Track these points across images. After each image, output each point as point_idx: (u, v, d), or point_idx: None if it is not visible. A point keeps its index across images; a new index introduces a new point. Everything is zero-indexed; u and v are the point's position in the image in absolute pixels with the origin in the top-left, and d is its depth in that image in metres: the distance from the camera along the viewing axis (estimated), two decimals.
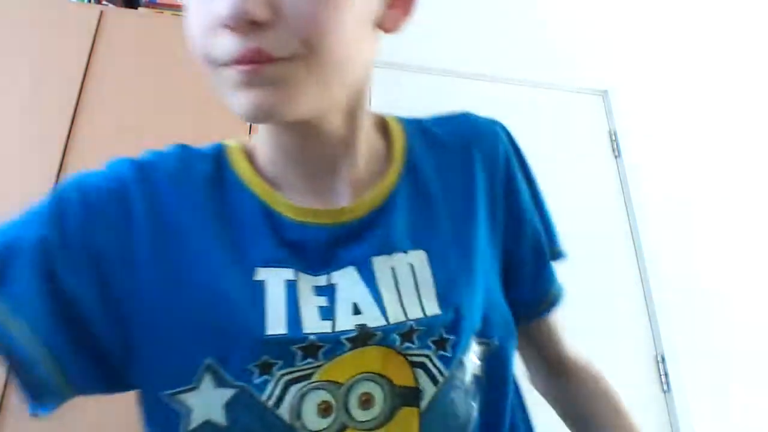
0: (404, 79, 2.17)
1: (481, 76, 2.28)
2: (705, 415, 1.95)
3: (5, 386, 1.18)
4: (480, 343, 0.48)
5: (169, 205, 0.46)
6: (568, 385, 0.64)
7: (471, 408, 0.46)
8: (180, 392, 0.41)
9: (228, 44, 0.39)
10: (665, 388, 1.98)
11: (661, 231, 2.21)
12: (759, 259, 2.29)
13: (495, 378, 0.49)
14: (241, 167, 0.51)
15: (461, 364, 0.45)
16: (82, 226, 0.43)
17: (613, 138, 2.36)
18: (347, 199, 0.49)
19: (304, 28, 0.39)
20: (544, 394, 0.67)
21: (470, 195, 0.53)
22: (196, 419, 0.41)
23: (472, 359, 0.47)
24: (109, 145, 1.45)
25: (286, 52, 0.39)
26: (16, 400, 1.17)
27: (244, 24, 0.38)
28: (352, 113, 0.49)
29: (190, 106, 1.54)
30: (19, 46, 1.51)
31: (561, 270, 0.61)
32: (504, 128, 0.60)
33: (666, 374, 1.98)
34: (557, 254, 0.61)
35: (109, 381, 0.45)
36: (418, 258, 0.48)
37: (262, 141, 0.52)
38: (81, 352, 0.42)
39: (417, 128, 0.56)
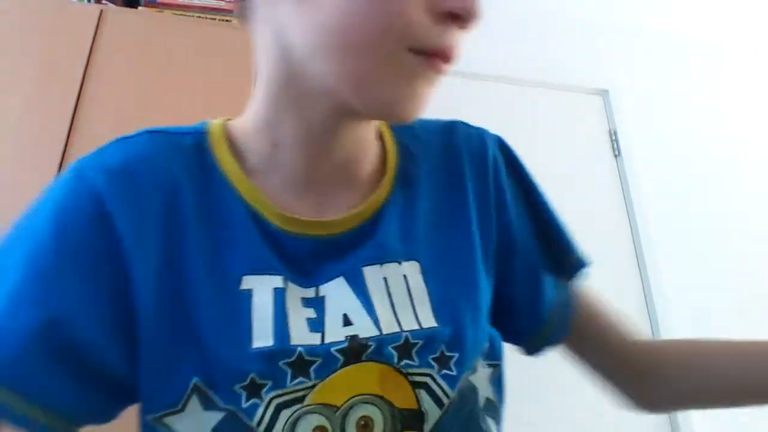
0: None
1: (481, 76, 2.28)
2: (705, 414, 1.95)
3: None
4: (489, 365, 0.46)
5: (152, 214, 0.41)
6: (666, 374, 0.54)
7: None
8: (166, 415, 0.39)
9: (441, 33, 0.39)
10: None
11: (661, 230, 2.21)
12: (759, 259, 2.29)
13: (501, 403, 0.48)
14: (225, 163, 0.45)
15: (469, 383, 0.43)
16: (75, 274, 0.38)
17: (613, 137, 2.36)
18: (338, 209, 0.46)
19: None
20: (661, 401, 0.56)
21: (463, 208, 0.49)
22: None
23: (483, 381, 0.45)
24: None
25: (456, 60, 0.40)
26: None
27: (472, 22, 0.39)
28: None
29: (191, 105, 1.54)
30: (19, 45, 1.51)
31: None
32: (495, 138, 0.56)
33: None
34: (578, 263, 0.55)
35: (122, 407, 0.43)
36: (412, 269, 0.45)
37: (266, 130, 0.46)
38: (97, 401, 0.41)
39: (408, 135, 0.53)
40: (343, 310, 0.42)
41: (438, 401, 0.40)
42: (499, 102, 2.23)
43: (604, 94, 2.45)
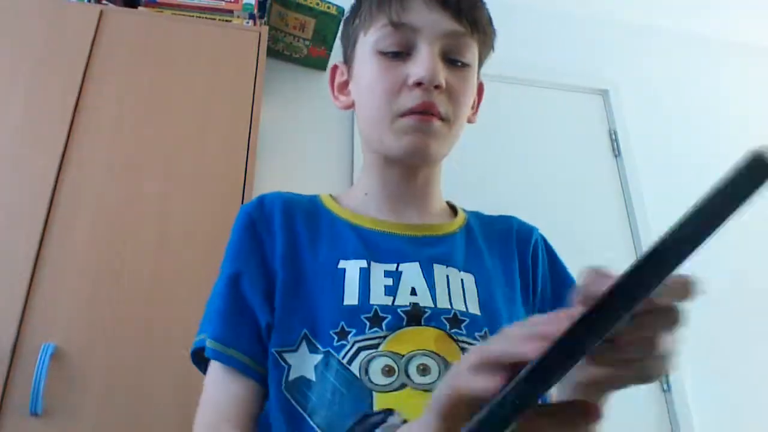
0: None
1: (481, 76, 2.28)
2: (705, 415, 1.95)
3: (5, 386, 1.18)
4: None
5: (275, 224, 0.64)
6: None
7: None
8: (285, 351, 0.56)
9: (416, 96, 0.59)
10: (665, 387, 1.97)
11: (660, 231, 2.21)
12: (758, 260, 2.29)
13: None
14: (329, 203, 0.69)
15: None
16: (245, 252, 0.63)
17: (613, 137, 2.36)
18: (419, 221, 0.66)
19: (455, 104, 0.61)
20: None
21: (509, 261, 0.67)
22: (294, 374, 0.55)
23: None
24: (109, 144, 1.45)
25: (445, 114, 0.60)
26: (15, 400, 1.17)
27: (433, 85, 0.58)
28: (436, 167, 0.69)
29: (190, 105, 1.54)
30: (19, 45, 1.51)
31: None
32: (538, 231, 0.74)
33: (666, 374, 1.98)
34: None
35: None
36: (468, 278, 0.61)
37: (360, 185, 0.70)
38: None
39: (473, 212, 0.74)
40: (412, 284, 0.58)
41: None
42: (499, 102, 2.23)
43: (604, 94, 2.45)
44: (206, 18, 1.74)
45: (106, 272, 1.31)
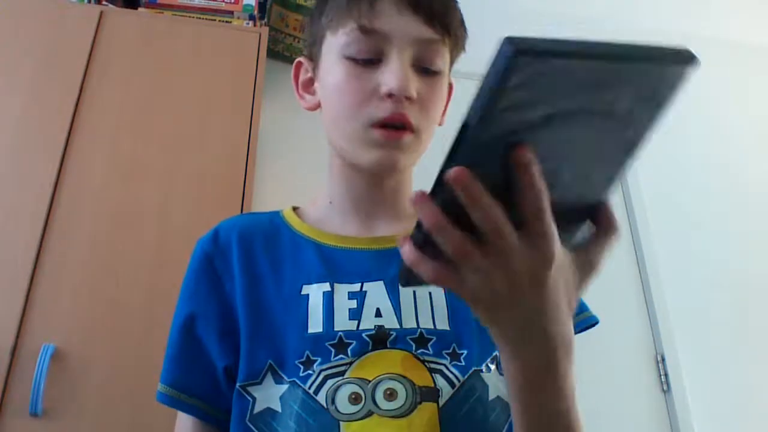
0: None
1: (479, 77, 2.28)
2: (705, 415, 1.95)
3: (5, 387, 1.18)
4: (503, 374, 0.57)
5: (233, 257, 0.62)
6: None
7: (497, 426, 0.53)
8: (249, 385, 0.55)
9: (387, 107, 0.57)
10: (665, 388, 1.97)
11: (660, 231, 2.21)
12: (759, 258, 2.29)
13: None
14: (292, 219, 0.67)
15: (479, 377, 0.54)
16: (201, 290, 0.62)
17: None
18: (384, 233, 0.63)
19: (426, 114, 0.59)
20: None
21: None
22: (259, 406, 0.54)
23: (495, 381, 0.54)
24: (109, 145, 1.45)
25: (416, 126, 0.58)
26: (16, 400, 1.17)
27: (404, 96, 0.56)
28: (404, 173, 0.67)
29: (190, 106, 1.54)
30: (19, 46, 1.51)
31: None
32: None
33: (666, 374, 1.98)
34: None
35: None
36: (437, 290, 0.58)
37: (325, 192, 0.69)
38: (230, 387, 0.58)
39: None
40: (377, 305, 0.57)
41: (450, 383, 0.53)
42: None
43: None
44: (206, 19, 1.74)
45: (106, 272, 1.31)
